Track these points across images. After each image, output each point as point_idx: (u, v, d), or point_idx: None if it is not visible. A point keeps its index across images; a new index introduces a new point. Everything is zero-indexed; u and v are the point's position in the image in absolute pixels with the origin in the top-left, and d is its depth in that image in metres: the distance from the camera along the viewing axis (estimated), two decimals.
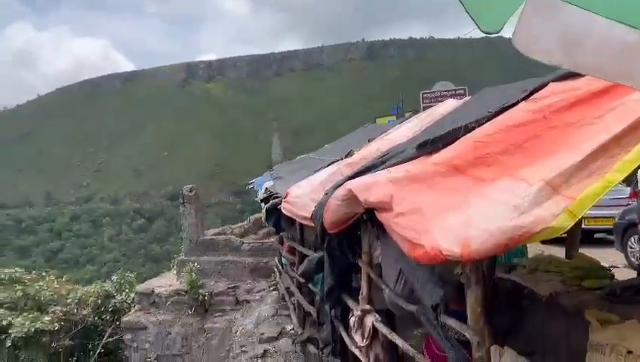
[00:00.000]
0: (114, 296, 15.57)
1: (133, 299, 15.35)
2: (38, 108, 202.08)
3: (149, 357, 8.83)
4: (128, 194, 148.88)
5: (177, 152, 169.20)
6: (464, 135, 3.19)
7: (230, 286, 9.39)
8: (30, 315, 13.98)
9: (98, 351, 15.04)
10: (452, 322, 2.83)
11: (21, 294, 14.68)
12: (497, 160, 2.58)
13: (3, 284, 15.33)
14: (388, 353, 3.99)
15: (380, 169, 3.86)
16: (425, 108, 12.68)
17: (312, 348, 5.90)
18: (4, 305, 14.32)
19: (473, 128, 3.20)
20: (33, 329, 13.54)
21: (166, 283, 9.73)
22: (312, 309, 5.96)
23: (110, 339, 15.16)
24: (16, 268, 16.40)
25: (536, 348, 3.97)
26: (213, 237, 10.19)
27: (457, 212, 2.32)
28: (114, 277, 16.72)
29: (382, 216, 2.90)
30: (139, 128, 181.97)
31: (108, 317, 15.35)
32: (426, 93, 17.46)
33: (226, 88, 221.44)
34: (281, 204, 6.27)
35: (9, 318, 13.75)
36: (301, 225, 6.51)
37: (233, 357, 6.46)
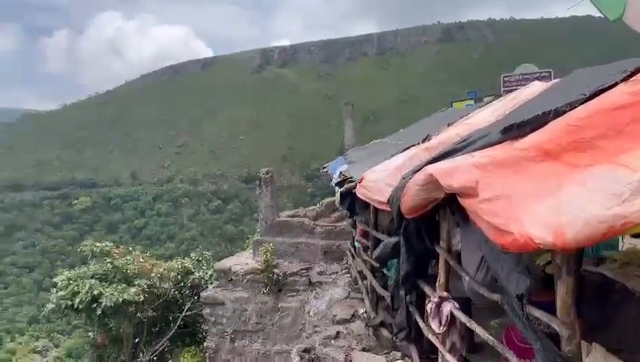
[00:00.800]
0: (192, 273, 16.37)
1: (211, 275, 16.08)
2: (125, 93, 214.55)
3: (226, 332, 9.24)
4: (206, 176, 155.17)
5: (252, 136, 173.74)
6: (554, 119, 3.02)
7: (303, 267, 9.56)
8: (118, 287, 14.96)
9: (178, 323, 15.94)
10: (539, 313, 2.72)
11: (111, 267, 15.72)
12: (594, 145, 2.42)
13: (95, 257, 16.52)
14: (465, 341, 3.92)
15: (461, 154, 3.75)
16: (506, 92, 12.11)
17: (385, 332, 5.90)
18: (96, 276, 15.43)
19: (564, 112, 3.01)
20: (121, 300, 14.49)
21: (242, 261, 10.08)
22: (385, 294, 5.95)
23: (189, 313, 16.01)
24: (107, 243, 17.58)
25: (626, 346, 3.74)
26: (288, 219, 10.37)
27: (549, 199, 2.22)
28: (193, 255, 17.57)
29: (466, 202, 2.82)
30: (216, 112, 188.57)
31: (187, 292, 16.18)
32: (507, 76, 16.59)
33: (300, 73, 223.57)
34: (355, 188, 6.27)
35: (100, 288, 14.80)
36: (375, 209, 6.48)
37: (307, 336, 6.58)
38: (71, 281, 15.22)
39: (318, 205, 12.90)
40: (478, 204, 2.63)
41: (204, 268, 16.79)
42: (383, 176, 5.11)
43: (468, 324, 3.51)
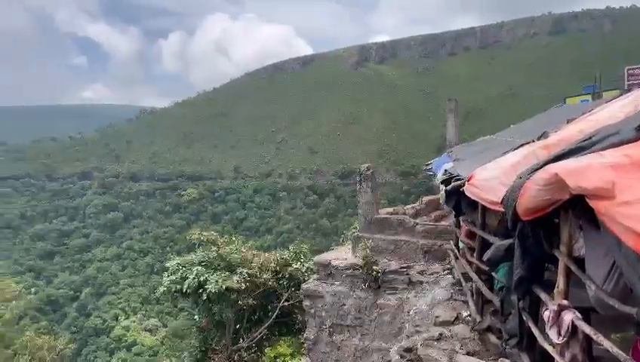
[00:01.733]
0: (290, 264, 16.84)
1: (308, 268, 16.45)
2: (230, 91, 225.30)
3: (325, 324, 9.37)
4: (303, 171, 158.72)
5: (349, 132, 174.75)
6: None
7: (403, 265, 9.41)
8: (222, 274, 15.78)
9: (276, 312, 16.49)
10: None
11: (215, 255, 16.62)
12: None
13: (202, 245, 17.56)
14: (587, 354, 3.63)
15: (588, 152, 3.46)
16: (631, 86, 11.05)
17: (492, 338, 5.64)
18: (202, 263, 16.39)
19: None
20: (224, 287, 15.27)
21: (342, 256, 10.14)
22: (493, 297, 5.68)
23: (286, 303, 16.50)
24: (212, 232, 18.59)
25: None
26: (387, 216, 10.24)
27: None
28: (291, 247, 18.06)
29: (599, 205, 2.60)
30: (315, 109, 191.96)
31: (285, 283, 16.69)
32: (632, 69, 15.05)
33: (398, 69, 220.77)
34: (463, 186, 6.05)
35: (206, 275, 15.69)
36: (483, 209, 6.21)
37: (407, 335, 6.45)
38: (180, 267, 16.33)
39: (417, 203, 12.64)
40: (615, 208, 2.41)
41: (302, 260, 17.18)
42: (496, 175, 4.87)
43: (593, 337, 3.24)
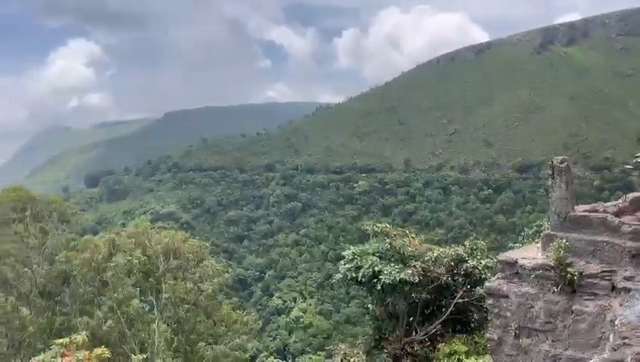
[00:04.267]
0: (466, 261, 16.29)
1: (484, 265, 15.74)
2: (401, 84, 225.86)
3: (510, 326, 8.82)
4: (477, 164, 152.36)
5: (529, 122, 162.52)
6: None
7: (605, 269, 8.36)
8: (396, 266, 15.97)
9: (450, 309, 16.11)
10: None
11: (389, 246, 16.87)
12: None
13: (376, 236, 17.93)
14: None
15: None
16: None
17: None
18: (376, 254, 16.76)
19: None
20: (398, 279, 15.43)
21: (529, 255, 9.38)
22: None
23: (460, 300, 16.02)
24: (387, 224, 18.86)
25: None
26: (585, 213, 9.16)
27: None
28: (466, 243, 17.45)
29: None
30: (490, 98, 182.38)
31: (459, 280, 16.24)
32: None
33: (590, 50, 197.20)
34: None
35: (380, 266, 16.04)
36: None
37: (613, 347, 5.69)
38: (355, 256, 16.93)
39: (620, 200, 11.07)
40: None
41: (478, 257, 16.59)
42: None
43: None
